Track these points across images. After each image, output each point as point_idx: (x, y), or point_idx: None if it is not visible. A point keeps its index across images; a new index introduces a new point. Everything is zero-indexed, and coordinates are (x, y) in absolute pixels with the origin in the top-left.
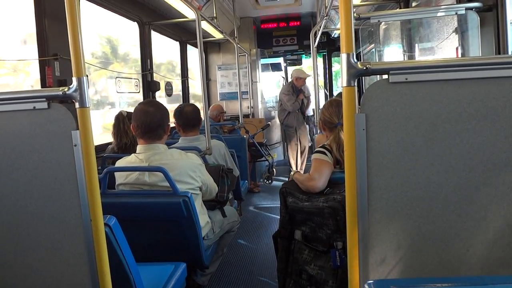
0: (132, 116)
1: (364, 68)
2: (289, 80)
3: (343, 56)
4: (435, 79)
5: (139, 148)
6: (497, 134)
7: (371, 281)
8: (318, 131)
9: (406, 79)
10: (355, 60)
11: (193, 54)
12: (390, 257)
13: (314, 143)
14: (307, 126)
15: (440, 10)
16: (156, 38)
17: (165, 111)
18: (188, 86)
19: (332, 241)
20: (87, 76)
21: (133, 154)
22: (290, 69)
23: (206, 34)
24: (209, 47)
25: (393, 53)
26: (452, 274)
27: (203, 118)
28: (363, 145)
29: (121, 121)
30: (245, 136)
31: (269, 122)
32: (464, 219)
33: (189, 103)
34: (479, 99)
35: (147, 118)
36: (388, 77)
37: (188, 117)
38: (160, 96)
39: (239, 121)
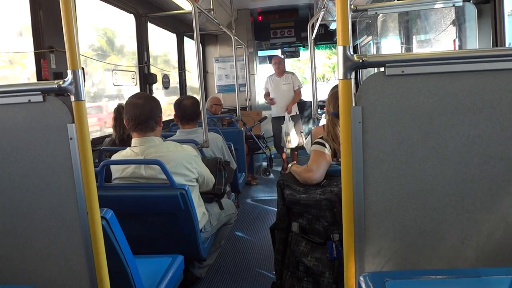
0: (124, 110)
1: (361, 60)
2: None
3: (340, 48)
4: (431, 71)
5: (133, 141)
6: (493, 127)
7: (366, 273)
8: (315, 124)
9: (403, 72)
10: (352, 53)
11: (190, 46)
12: (385, 249)
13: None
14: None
15: (438, 2)
16: (154, 31)
17: (155, 102)
18: (185, 79)
19: (329, 233)
20: (82, 68)
21: (128, 148)
22: (288, 61)
23: (203, 26)
24: (206, 39)
25: (390, 45)
26: (447, 266)
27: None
28: (359, 138)
29: (122, 113)
30: (242, 129)
31: (266, 115)
32: (459, 211)
33: (189, 95)
34: (476, 92)
35: (136, 111)
36: (385, 69)
37: (186, 110)
38: (157, 89)
39: (236, 113)
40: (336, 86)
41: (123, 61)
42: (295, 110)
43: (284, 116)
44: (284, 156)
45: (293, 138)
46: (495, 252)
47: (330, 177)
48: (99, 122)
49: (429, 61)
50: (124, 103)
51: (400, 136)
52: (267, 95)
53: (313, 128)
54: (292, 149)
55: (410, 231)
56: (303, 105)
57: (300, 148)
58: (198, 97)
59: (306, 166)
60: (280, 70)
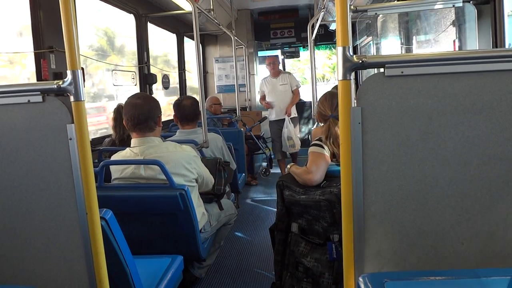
0: (123, 110)
1: (360, 61)
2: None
3: (339, 49)
4: (431, 72)
5: (133, 141)
6: (492, 128)
7: (366, 274)
8: (315, 124)
9: (402, 72)
10: (351, 53)
11: (190, 46)
12: (385, 250)
13: (310, 136)
14: None
15: (438, 2)
16: (154, 31)
17: (154, 102)
18: (185, 79)
19: (329, 233)
20: (82, 69)
21: (127, 148)
22: (288, 62)
23: (203, 27)
24: (206, 40)
25: (390, 45)
26: (447, 268)
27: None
28: (359, 138)
29: (122, 113)
30: (242, 129)
31: (266, 115)
32: (459, 212)
33: (188, 96)
34: (475, 93)
35: (135, 111)
36: (384, 70)
37: (185, 110)
38: (157, 89)
39: (236, 114)
40: (335, 87)
41: (123, 61)
42: (293, 112)
43: (283, 119)
44: (283, 166)
45: (296, 142)
46: (495, 253)
47: (330, 178)
48: (107, 120)
49: (429, 62)
50: (122, 103)
51: (399, 136)
52: (263, 98)
53: (312, 128)
54: (292, 154)
55: (410, 232)
56: (302, 106)
57: (298, 154)
58: (197, 97)
59: (305, 167)
60: (276, 71)
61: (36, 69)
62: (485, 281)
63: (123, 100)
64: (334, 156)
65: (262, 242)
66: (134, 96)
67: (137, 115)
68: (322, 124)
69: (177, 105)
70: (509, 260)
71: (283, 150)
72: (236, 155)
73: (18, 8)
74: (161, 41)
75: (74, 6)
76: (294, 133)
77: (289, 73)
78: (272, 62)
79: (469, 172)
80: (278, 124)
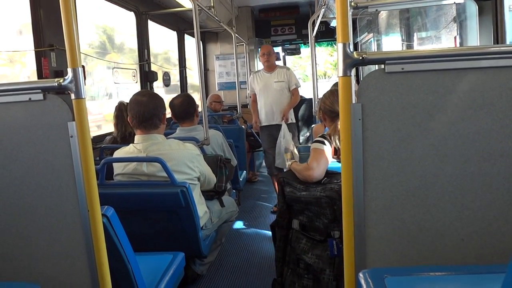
0: (128, 108)
1: (360, 58)
2: None
3: (339, 45)
4: (431, 69)
5: (136, 138)
6: (493, 124)
7: (366, 270)
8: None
9: (403, 69)
10: (351, 50)
11: (191, 43)
12: (385, 246)
13: (312, 134)
14: None
15: None
16: (154, 28)
17: (159, 100)
18: (186, 76)
19: (329, 230)
20: (83, 67)
21: (131, 145)
22: (289, 58)
23: (203, 24)
24: (207, 37)
25: (391, 42)
26: (447, 263)
27: (200, 109)
28: (359, 135)
29: (124, 111)
30: (243, 126)
31: None
32: (459, 208)
33: (180, 94)
34: (476, 89)
35: (140, 108)
36: (384, 67)
37: (175, 109)
38: (158, 87)
39: (237, 111)
40: (336, 84)
41: (122, 59)
42: (291, 117)
43: (276, 125)
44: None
45: (295, 155)
46: (495, 249)
47: (330, 174)
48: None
49: (429, 58)
50: (124, 101)
51: (400, 133)
52: (254, 100)
53: (313, 126)
54: None
55: (410, 228)
56: (302, 103)
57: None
58: (198, 94)
59: (306, 164)
60: (271, 64)
61: (37, 67)
62: (485, 277)
63: (123, 98)
64: (336, 153)
65: (263, 239)
66: (139, 94)
67: (142, 113)
68: (323, 122)
69: (170, 105)
70: (509, 257)
71: (278, 166)
72: (237, 152)
73: (18, 6)
74: (162, 38)
75: (74, 4)
76: (292, 144)
77: (288, 68)
78: (267, 53)
79: (470, 168)
80: (270, 131)
